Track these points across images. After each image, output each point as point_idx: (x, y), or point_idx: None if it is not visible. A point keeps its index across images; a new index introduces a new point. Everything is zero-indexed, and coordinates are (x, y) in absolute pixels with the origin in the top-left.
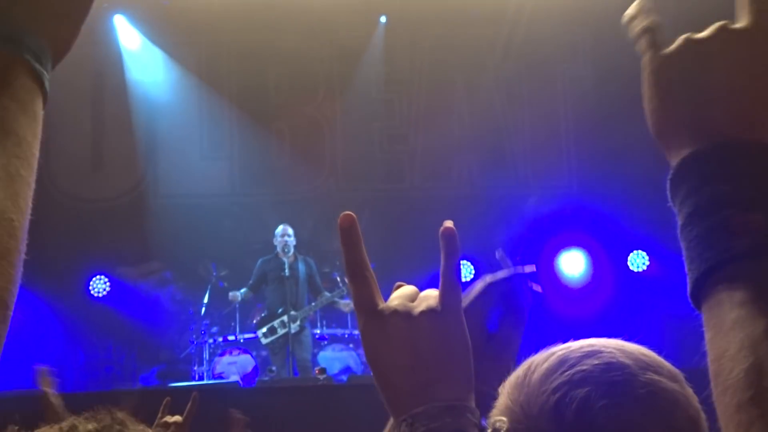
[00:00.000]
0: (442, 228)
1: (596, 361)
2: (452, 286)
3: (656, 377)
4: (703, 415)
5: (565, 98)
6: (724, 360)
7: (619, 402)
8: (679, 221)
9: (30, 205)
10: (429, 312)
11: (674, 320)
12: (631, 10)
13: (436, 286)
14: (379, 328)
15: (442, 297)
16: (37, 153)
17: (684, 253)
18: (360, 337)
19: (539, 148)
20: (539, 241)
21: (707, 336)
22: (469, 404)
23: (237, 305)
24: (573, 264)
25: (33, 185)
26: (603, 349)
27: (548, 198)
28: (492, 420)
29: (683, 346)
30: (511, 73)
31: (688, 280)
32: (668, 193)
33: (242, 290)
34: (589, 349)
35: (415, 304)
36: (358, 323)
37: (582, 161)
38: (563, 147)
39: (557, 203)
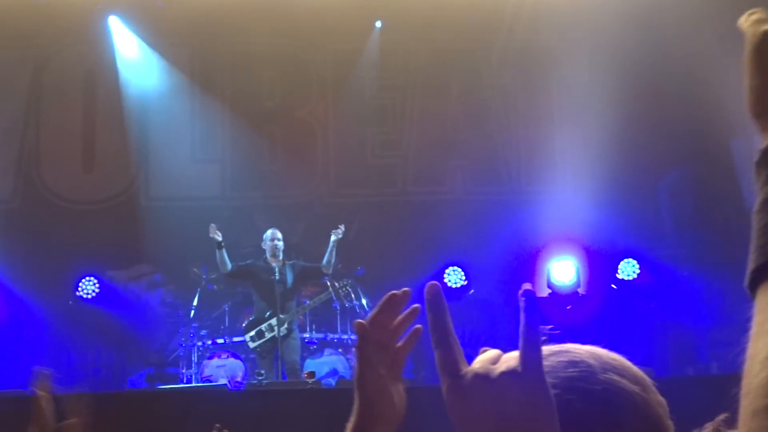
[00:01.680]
0: (521, 290)
1: (562, 358)
2: (531, 345)
3: (616, 377)
4: (667, 423)
5: (559, 105)
6: (754, 361)
7: (571, 396)
8: (755, 205)
9: None
10: (509, 373)
11: (663, 328)
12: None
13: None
14: (461, 391)
15: (522, 357)
16: None
17: (752, 238)
18: (445, 404)
19: (533, 154)
20: (531, 248)
21: (751, 331)
22: None
23: (226, 308)
24: (564, 272)
25: None
26: (572, 350)
27: (540, 206)
28: None
29: (671, 354)
30: (506, 80)
31: (747, 269)
32: (754, 173)
33: (228, 261)
34: (559, 349)
35: (495, 366)
36: (441, 388)
37: (576, 167)
38: (557, 152)
39: (550, 209)
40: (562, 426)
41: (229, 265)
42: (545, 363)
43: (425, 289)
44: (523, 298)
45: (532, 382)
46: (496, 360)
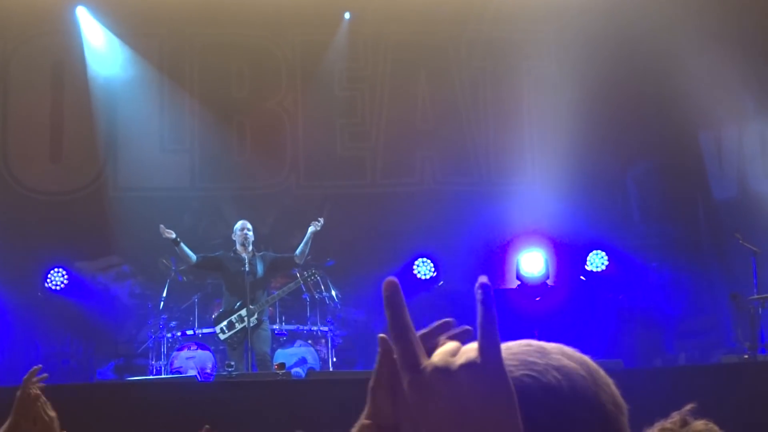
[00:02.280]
0: (478, 282)
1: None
2: (490, 337)
3: (565, 361)
4: (612, 411)
5: (528, 96)
6: None
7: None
8: None
9: None
10: (468, 365)
11: (631, 320)
12: None
13: (399, 282)
14: (421, 385)
15: (481, 348)
16: None
17: None
18: (407, 400)
19: (502, 146)
20: (500, 240)
21: None
22: None
23: (196, 299)
24: (533, 263)
25: None
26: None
27: (509, 197)
28: None
29: (640, 345)
30: (475, 71)
31: None
32: None
33: (189, 251)
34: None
35: (455, 358)
36: (403, 384)
37: (545, 159)
38: (526, 145)
39: (519, 201)
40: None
41: (194, 258)
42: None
43: (383, 286)
44: (480, 291)
45: (492, 373)
46: (455, 352)
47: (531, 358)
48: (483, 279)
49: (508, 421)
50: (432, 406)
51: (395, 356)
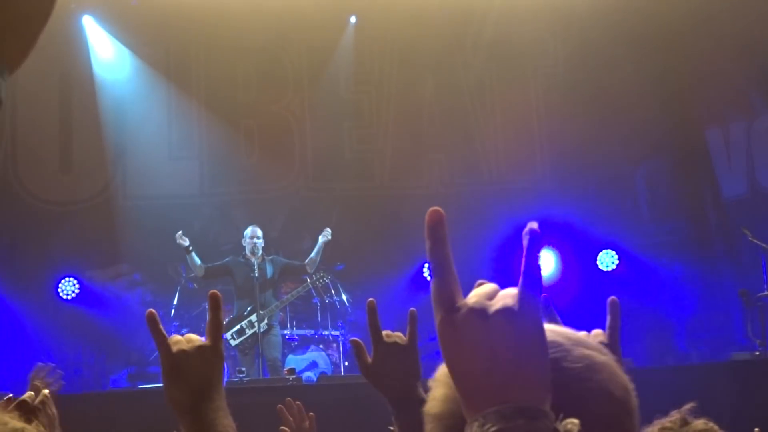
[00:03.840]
0: (528, 227)
1: None
2: (532, 285)
3: (588, 351)
4: (632, 386)
5: (536, 95)
6: None
7: (557, 377)
8: None
9: None
10: (505, 310)
11: (642, 319)
12: None
13: (409, 285)
14: (454, 325)
15: (521, 296)
16: None
17: None
18: (438, 336)
19: (511, 146)
20: (508, 240)
21: None
22: (544, 407)
23: (206, 306)
24: (543, 263)
25: None
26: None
27: (517, 197)
28: (564, 423)
29: (651, 344)
30: (482, 71)
31: None
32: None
33: (199, 261)
34: None
35: (492, 302)
36: (435, 320)
37: (554, 159)
38: (535, 145)
39: (528, 202)
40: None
41: (202, 269)
42: None
43: (427, 215)
44: (527, 236)
45: (528, 322)
46: (492, 295)
47: (560, 339)
48: (533, 225)
49: (539, 371)
50: (463, 346)
51: (431, 291)
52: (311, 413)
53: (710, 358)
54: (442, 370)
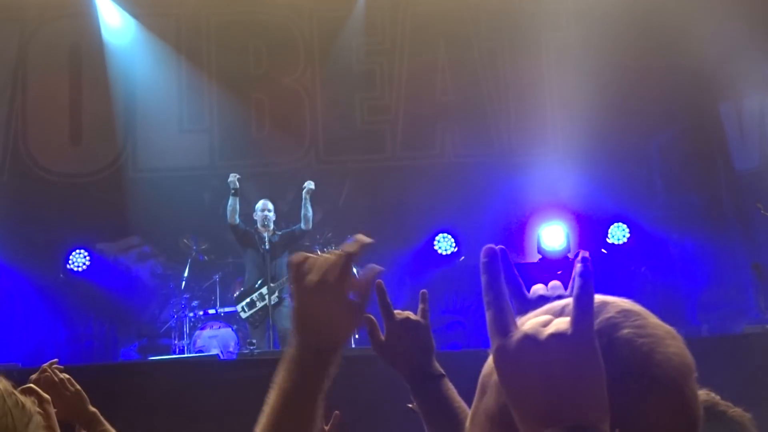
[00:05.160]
0: (580, 255)
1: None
2: (585, 311)
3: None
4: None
5: (548, 67)
6: None
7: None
8: None
9: None
10: (558, 335)
11: (653, 292)
12: None
13: (420, 258)
14: (509, 351)
15: (574, 321)
16: None
17: None
18: (494, 365)
19: (523, 117)
20: (521, 214)
21: None
22: (602, 427)
23: (217, 278)
24: (554, 237)
25: None
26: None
27: (530, 168)
28: None
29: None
30: (494, 42)
31: None
32: None
33: (238, 209)
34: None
35: (546, 328)
36: (491, 348)
37: (566, 130)
38: (548, 116)
39: (539, 174)
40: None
41: (238, 219)
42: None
43: (482, 252)
44: (580, 264)
45: (582, 347)
46: (547, 323)
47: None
48: (585, 254)
49: (595, 391)
50: (518, 373)
51: (487, 321)
52: (336, 412)
53: (722, 331)
54: (471, 418)
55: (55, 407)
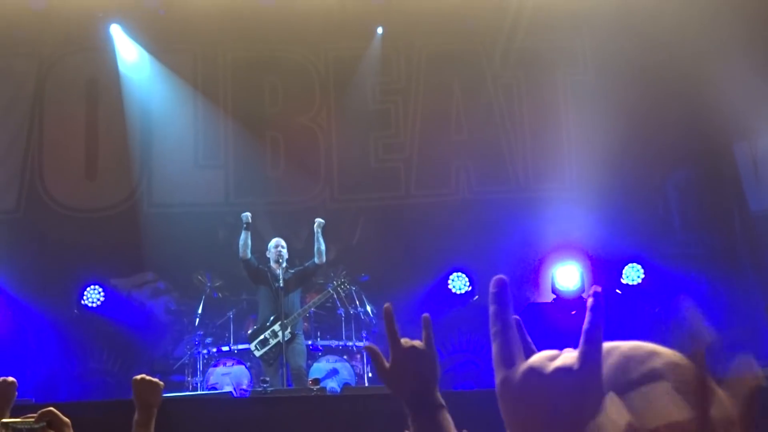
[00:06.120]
0: (592, 290)
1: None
2: (593, 347)
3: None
4: None
5: (564, 104)
6: None
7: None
8: None
9: None
10: (564, 369)
11: (667, 333)
12: None
13: (434, 297)
14: (513, 383)
15: (582, 356)
16: None
17: None
18: (498, 396)
19: (538, 155)
20: (535, 253)
21: None
22: None
23: (231, 315)
24: (568, 277)
25: None
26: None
27: (545, 205)
28: None
29: None
30: (509, 80)
31: None
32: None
33: (250, 244)
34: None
35: (552, 362)
36: (496, 379)
37: (582, 168)
38: (563, 153)
39: (554, 212)
40: None
41: (250, 254)
42: (648, 364)
43: (492, 282)
44: (592, 299)
45: (588, 382)
46: (554, 357)
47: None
48: (597, 288)
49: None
50: (521, 404)
51: (493, 352)
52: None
53: (736, 374)
54: None
55: None
